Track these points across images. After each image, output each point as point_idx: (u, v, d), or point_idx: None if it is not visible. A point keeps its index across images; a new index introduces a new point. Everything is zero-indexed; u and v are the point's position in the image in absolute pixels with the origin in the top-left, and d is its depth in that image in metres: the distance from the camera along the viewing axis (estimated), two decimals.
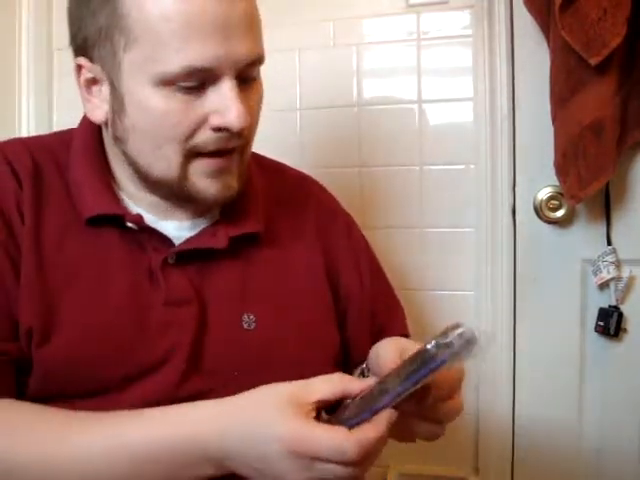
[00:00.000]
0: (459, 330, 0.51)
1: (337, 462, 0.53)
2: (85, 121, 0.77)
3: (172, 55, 0.63)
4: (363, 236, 0.92)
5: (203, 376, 0.70)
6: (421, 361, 0.53)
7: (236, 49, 0.65)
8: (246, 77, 0.69)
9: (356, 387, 0.58)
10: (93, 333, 0.67)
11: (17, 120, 1.42)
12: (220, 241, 0.73)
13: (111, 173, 0.75)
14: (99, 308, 0.68)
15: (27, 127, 1.42)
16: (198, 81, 0.65)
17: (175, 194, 0.72)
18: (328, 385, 0.58)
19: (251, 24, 0.67)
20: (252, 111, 0.70)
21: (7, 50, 1.39)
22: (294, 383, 0.58)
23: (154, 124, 0.66)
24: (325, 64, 1.34)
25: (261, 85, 0.73)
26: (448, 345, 0.51)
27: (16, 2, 1.40)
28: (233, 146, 0.69)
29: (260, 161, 0.87)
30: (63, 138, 0.78)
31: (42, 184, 0.72)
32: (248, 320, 0.73)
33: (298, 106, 1.35)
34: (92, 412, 0.62)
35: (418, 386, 0.54)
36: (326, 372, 0.60)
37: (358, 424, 0.55)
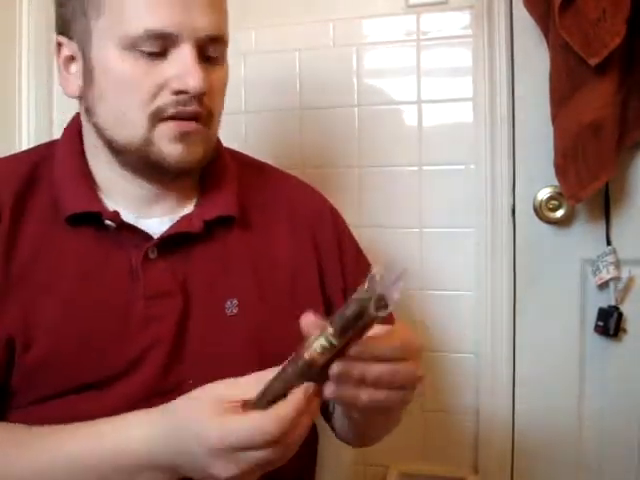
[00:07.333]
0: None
1: (259, 446, 0.52)
2: (70, 126, 0.79)
3: (135, 18, 0.67)
4: (348, 230, 0.90)
5: (186, 366, 0.70)
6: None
7: (196, 18, 0.69)
8: (208, 56, 0.72)
9: None
10: (74, 333, 0.68)
11: (17, 120, 1.42)
12: (195, 225, 0.74)
13: (91, 175, 0.76)
14: (79, 308, 0.69)
15: (27, 127, 1.42)
16: (159, 47, 0.68)
17: (142, 163, 0.72)
18: (254, 380, 0.56)
19: (213, 2, 0.71)
20: (213, 89, 0.72)
21: (7, 50, 1.39)
22: (221, 382, 0.57)
23: (118, 89, 0.70)
24: (325, 64, 1.34)
25: (225, 73, 0.75)
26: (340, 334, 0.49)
27: (16, 1, 1.40)
28: (193, 110, 0.70)
29: (242, 159, 0.87)
30: (52, 145, 0.80)
31: (29, 196, 0.73)
32: (231, 305, 0.74)
33: (298, 106, 1.36)
34: (37, 428, 0.64)
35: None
36: None
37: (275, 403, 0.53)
